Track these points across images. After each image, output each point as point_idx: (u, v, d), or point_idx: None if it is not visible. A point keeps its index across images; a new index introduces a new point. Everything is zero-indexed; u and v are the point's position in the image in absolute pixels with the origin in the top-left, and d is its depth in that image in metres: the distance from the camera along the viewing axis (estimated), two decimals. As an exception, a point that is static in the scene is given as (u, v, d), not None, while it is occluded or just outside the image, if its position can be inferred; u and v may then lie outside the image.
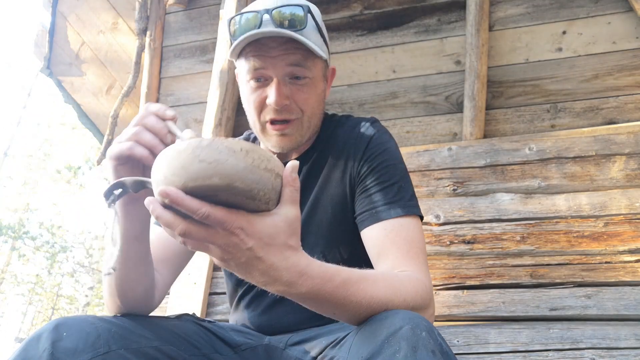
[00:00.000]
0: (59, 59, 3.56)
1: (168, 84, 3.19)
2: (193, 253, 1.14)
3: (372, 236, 1.01)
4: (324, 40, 1.10)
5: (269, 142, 1.09)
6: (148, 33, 3.20)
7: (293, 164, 0.72)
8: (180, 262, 1.11)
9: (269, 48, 1.02)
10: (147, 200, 0.66)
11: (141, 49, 3.20)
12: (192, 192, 0.63)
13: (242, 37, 1.00)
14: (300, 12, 1.01)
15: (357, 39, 2.92)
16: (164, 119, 0.81)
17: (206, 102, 2.73)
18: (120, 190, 0.76)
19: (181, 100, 3.16)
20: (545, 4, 2.62)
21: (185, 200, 0.63)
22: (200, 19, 3.21)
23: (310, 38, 1.03)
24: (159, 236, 1.09)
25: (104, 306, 1.07)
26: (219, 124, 2.59)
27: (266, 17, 1.00)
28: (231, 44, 1.05)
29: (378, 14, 2.90)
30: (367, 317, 0.82)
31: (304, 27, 1.01)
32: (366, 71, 2.89)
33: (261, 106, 1.07)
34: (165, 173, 0.64)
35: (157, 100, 3.21)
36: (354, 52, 2.91)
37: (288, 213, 0.70)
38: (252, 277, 0.70)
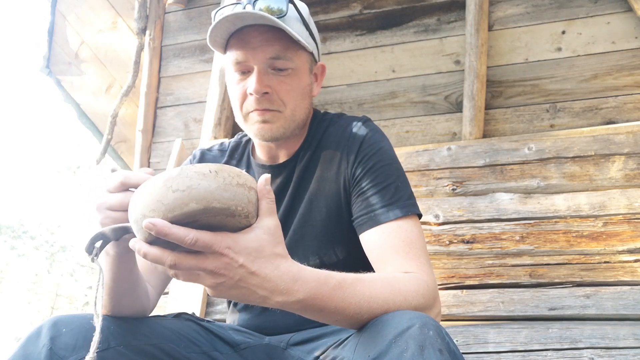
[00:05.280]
0: (58, 58, 3.56)
1: (167, 83, 3.19)
2: None
3: (371, 240, 1.00)
4: (311, 34, 1.09)
5: (251, 131, 1.08)
6: (147, 32, 3.20)
7: (265, 177, 0.74)
8: (167, 272, 1.10)
9: (250, 38, 1.02)
10: (132, 243, 0.69)
11: (140, 49, 3.20)
12: (173, 222, 0.65)
13: (217, 20, 1.00)
14: (280, 2, 1.01)
15: (356, 38, 2.92)
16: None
17: (205, 102, 2.73)
18: (100, 241, 0.76)
19: (180, 100, 3.16)
20: (544, 3, 2.62)
21: (172, 229, 0.65)
22: (199, 19, 3.21)
23: (293, 28, 1.03)
24: None
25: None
26: (218, 123, 2.59)
27: (248, 7, 1.00)
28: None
29: (377, 13, 2.90)
30: (369, 320, 0.81)
31: (284, 15, 1.01)
32: (365, 71, 2.89)
33: (244, 97, 1.06)
34: (142, 211, 0.66)
35: (157, 100, 3.21)
36: (354, 52, 2.91)
37: (268, 224, 0.73)
38: (249, 295, 0.72)
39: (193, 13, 3.23)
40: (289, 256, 0.76)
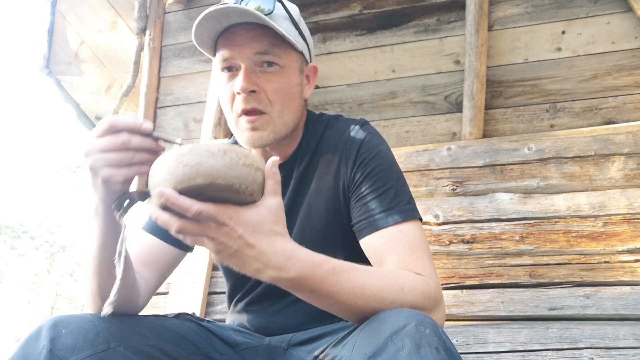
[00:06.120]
0: (58, 58, 3.56)
1: (167, 83, 3.19)
2: (179, 259, 1.14)
3: (372, 245, 0.99)
4: (301, 34, 1.08)
5: (242, 139, 1.07)
6: (147, 32, 3.20)
7: (273, 159, 0.79)
8: (165, 268, 1.10)
9: (237, 37, 1.01)
10: (148, 206, 0.76)
11: (140, 48, 3.20)
12: (181, 193, 0.71)
13: (200, 16, 0.99)
14: (268, 0, 1.01)
15: (356, 38, 2.92)
16: (145, 134, 0.81)
17: (205, 102, 2.73)
18: (128, 201, 0.83)
19: (180, 100, 3.16)
20: (544, 3, 2.62)
21: (179, 200, 0.70)
22: (199, 19, 3.21)
23: (280, 26, 1.01)
24: (144, 240, 1.09)
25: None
26: (218, 123, 2.59)
27: (236, 6, 0.99)
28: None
29: (377, 13, 2.90)
30: (365, 310, 0.82)
31: (270, 13, 1.00)
32: (365, 71, 2.89)
33: (232, 97, 1.04)
34: (157, 180, 0.73)
35: (157, 100, 3.21)
36: (354, 52, 2.91)
37: (271, 203, 0.77)
38: (245, 265, 0.76)
39: (193, 13, 3.23)
40: (288, 236, 0.79)
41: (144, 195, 0.82)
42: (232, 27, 1.02)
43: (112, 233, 0.89)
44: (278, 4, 1.03)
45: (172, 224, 0.73)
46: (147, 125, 0.81)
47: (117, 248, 0.84)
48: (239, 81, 1.01)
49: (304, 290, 0.80)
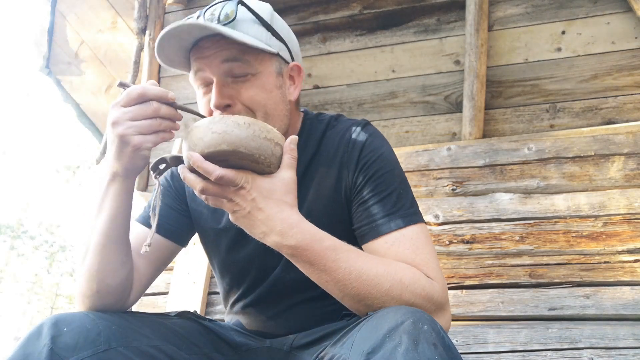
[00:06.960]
0: (58, 58, 3.56)
1: (167, 83, 3.19)
2: (174, 254, 1.14)
3: (375, 251, 0.97)
4: (275, 34, 1.03)
5: None
6: (147, 32, 3.20)
7: (292, 137, 0.88)
8: (159, 262, 1.10)
9: (204, 49, 0.98)
10: (180, 167, 0.85)
11: (140, 48, 3.20)
12: (209, 157, 0.81)
13: (160, 36, 0.96)
14: (229, 7, 0.97)
15: (356, 38, 2.92)
16: (170, 103, 0.86)
17: (205, 102, 2.72)
18: (164, 165, 0.92)
19: (180, 100, 3.14)
20: (544, 4, 2.62)
21: (204, 164, 0.80)
22: (199, 19, 3.20)
23: (248, 31, 0.98)
24: (139, 232, 1.09)
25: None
26: (218, 123, 2.59)
27: (200, 19, 0.98)
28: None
29: (377, 13, 2.90)
30: (361, 294, 0.85)
31: (232, 20, 0.96)
32: (365, 71, 2.89)
33: (210, 114, 1.00)
34: (189, 143, 0.83)
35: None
36: (353, 52, 2.91)
37: (285, 175, 0.86)
38: (253, 227, 0.85)
39: (193, 13, 3.23)
40: (296, 207, 0.87)
41: (176, 159, 0.91)
42: (201, 41, 0.99)
43: (123, 204, 0.93)
44: (242, 8, 0.99)
45: (196, 183, 0.83)
46: (172, 94, 0.86)
47: (152, 203, 0.93)
48: (212, 97, 0.98)
49: (302, 261, 0.86)
